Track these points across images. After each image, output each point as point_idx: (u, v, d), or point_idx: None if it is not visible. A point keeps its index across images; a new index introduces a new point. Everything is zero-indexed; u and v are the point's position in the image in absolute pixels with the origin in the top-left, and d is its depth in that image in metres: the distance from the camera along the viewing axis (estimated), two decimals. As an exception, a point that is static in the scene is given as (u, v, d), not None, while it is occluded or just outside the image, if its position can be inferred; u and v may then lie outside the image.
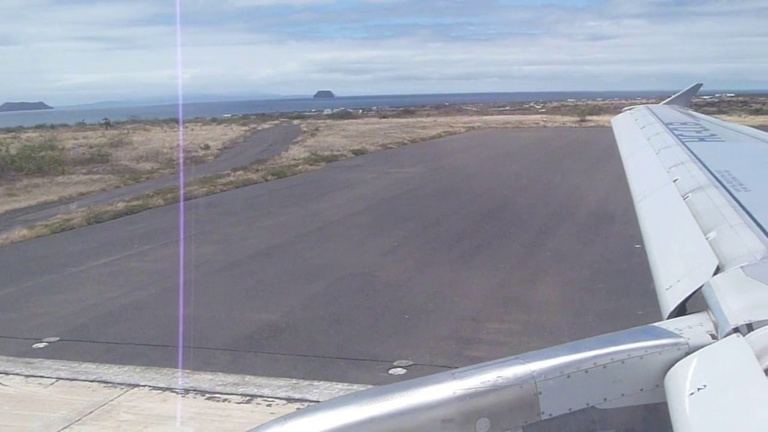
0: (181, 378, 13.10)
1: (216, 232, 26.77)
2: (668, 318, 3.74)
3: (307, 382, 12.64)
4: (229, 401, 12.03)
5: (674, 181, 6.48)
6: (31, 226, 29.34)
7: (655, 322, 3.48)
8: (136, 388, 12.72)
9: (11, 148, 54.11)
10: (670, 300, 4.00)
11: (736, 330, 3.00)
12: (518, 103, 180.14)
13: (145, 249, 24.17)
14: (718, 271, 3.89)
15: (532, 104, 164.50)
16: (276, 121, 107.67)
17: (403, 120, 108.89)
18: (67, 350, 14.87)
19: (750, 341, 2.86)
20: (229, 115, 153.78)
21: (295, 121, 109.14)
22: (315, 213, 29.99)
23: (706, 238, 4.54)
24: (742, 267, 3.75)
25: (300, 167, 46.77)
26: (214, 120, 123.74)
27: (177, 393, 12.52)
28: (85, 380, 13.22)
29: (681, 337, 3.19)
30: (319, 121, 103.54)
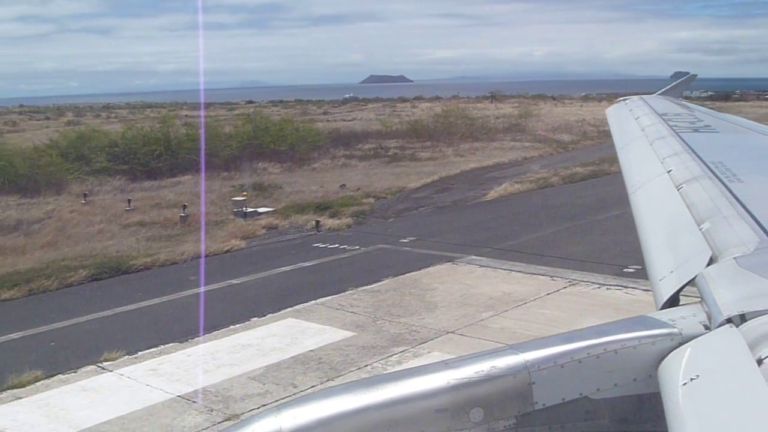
0: None
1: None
2: (661, 308, 3.77)
3: None
4: None
5: (668, 171, 6.41)
6: (518, 182, 33.71)
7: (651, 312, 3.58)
8: None
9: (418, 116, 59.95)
10: (663, 290, 3.99)
11: (729, 320, 3.01)
12: None
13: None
14: (711, 262, 3.90)
15: None
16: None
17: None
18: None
19: (743, 332, 2.87)
20: (584, 94, 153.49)
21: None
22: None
23: (700, 229, 4.53)
24: (735, 258, 3.75)
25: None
26: (586, 98, 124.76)
27: None
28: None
29: (674, 327, 3.22)
30: (707, 103, 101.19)
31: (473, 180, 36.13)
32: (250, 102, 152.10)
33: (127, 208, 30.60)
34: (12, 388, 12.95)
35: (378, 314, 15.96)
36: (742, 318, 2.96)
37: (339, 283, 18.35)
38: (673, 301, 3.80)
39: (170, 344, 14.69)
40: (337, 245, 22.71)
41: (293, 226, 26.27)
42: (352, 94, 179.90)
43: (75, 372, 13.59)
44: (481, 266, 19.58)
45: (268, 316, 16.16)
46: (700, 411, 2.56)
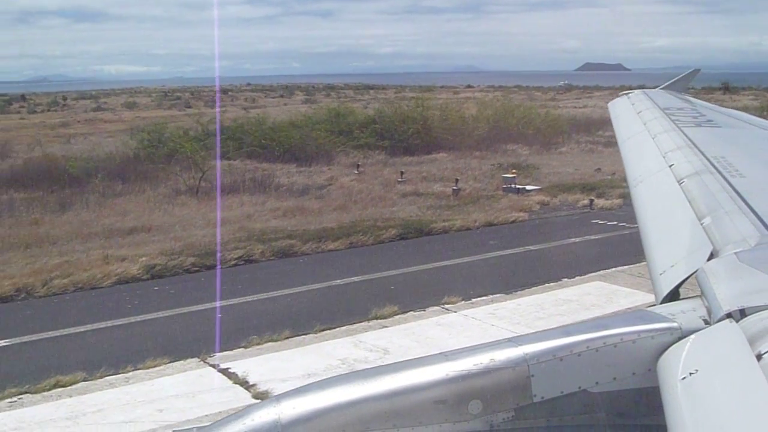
0: None
1: None
2: (662, 302, 3.78)
3: None
4: None
5: (670, 166, 6.39)
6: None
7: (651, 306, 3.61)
8: None
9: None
10: (663, 285, 3.99)
11: (728, 315, 3.00)
12: None
13: None
14: (712, 256, 3.90)
15: None
16: None
17: None
18: None
19: (743, 327, 2.85)
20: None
21: None
22: None
23: (701, 224, 4.51)
24: (736, 253, 3.75)
25: None
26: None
27: None
28: None
29: (674, 321, 3.23)
30: None
31: (729, 170, 36.27)
32: (469, 86, 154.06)
33: (399, 180, 33.47)
34: (377, 318, 15.56)
35: (678, 284, 17.44)
36: (742, 313, 2.98)
37: (629, 255, 19.81)
38: (673, 296, 3.84)
39: (498, 294, 16.90)
40: (615, 222, 24.24)
41: (564, 203, 28.06)
42: (567, 82, 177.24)
43: (424, 310, 16.04)
44: (767, 249, 20.51)
45: (577, 278, 18.07)
46: (699, 405, 2.56)
